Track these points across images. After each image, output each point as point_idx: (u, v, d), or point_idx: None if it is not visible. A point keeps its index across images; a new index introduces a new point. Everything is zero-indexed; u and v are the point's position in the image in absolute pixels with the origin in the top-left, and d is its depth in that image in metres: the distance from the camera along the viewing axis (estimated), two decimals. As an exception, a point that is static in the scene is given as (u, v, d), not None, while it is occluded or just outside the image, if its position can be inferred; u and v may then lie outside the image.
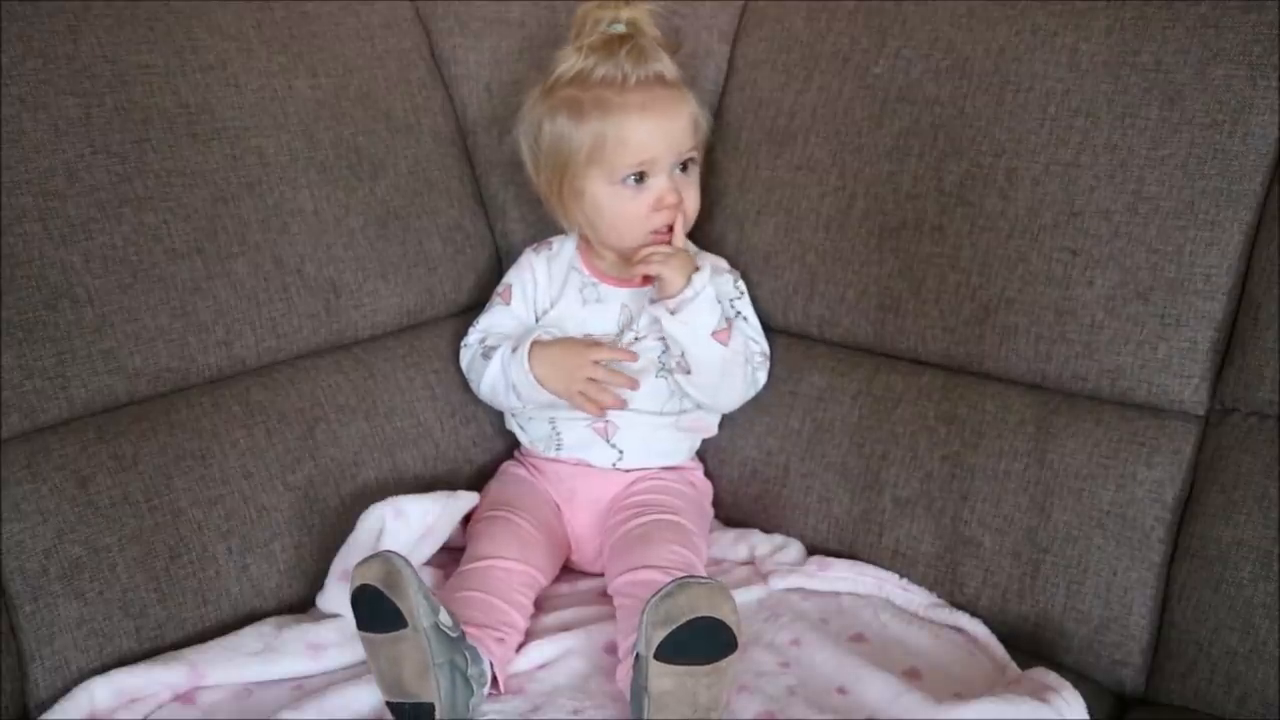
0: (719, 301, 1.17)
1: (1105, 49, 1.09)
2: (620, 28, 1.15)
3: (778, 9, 1.33)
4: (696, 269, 1.15)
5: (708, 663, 0.88)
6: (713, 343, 1.15)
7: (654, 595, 0.88)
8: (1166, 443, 1.06)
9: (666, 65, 1.17)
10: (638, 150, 1.14)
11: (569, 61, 1.16)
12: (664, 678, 0.88)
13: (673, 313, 1.13)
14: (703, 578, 0.90)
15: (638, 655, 0.90)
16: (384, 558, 0.93)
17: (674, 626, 0.86)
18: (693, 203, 1.19)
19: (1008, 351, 1.13)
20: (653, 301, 1.16)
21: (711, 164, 1.33)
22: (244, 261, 1.14)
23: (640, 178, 1.15)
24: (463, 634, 0.96)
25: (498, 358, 1.21)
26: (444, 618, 0.94)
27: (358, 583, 0.93)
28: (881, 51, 1.22)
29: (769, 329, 1.28)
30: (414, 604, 0.91)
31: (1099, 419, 1.09)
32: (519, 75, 1.31)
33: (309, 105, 1.20)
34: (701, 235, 1.30)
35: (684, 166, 1.18)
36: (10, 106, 1.00)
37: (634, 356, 1.18)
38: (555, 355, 1.18)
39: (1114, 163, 1.07)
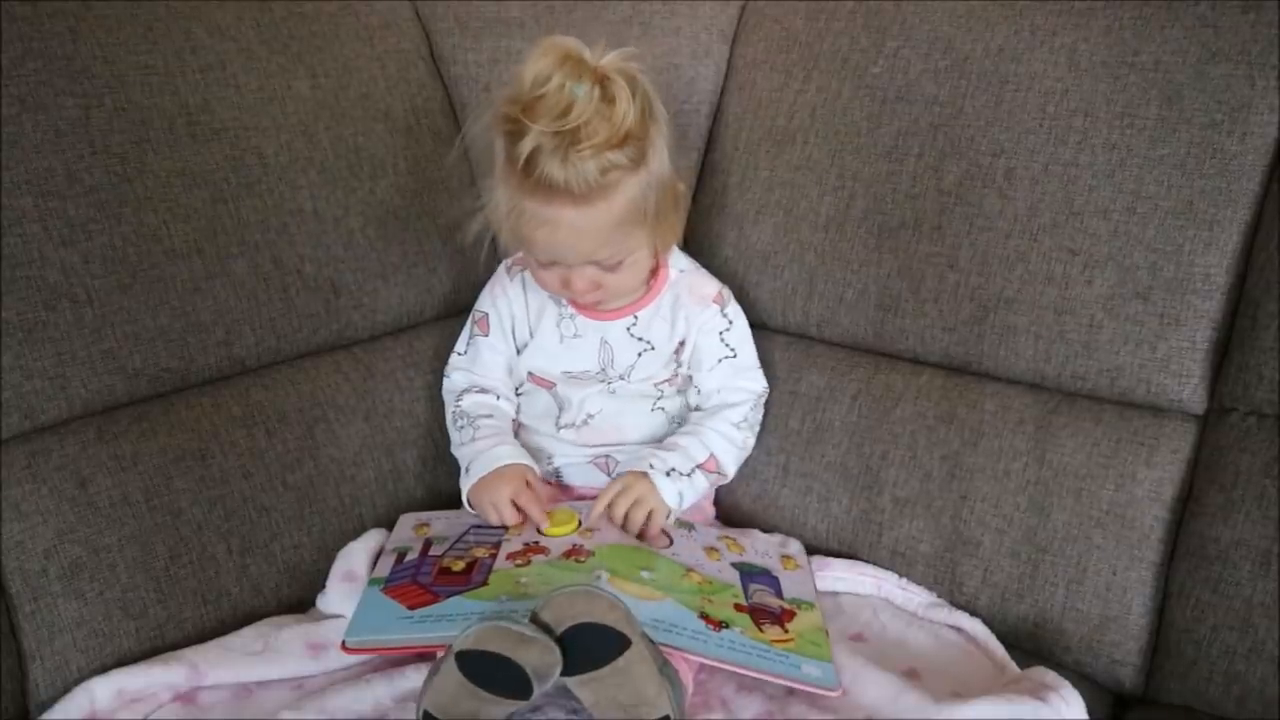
0: (682, 475, 1.12)
1: (1104, 49, 1.09)
2: (562, 121, 0.97)
3: (777, 9, 1.33)
4: (654, 487, 1.11)
5: (605, 665, 0.88)
6: (710, 486, 1.18)
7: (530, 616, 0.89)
8: (1165, 442, 1.07)
9: (585, 174, 0.99)
10: (538, 251, 1.07)
11: (515, 99, 1.00)
12: (581, 689, 0.89)
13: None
14: (568, 586, 0.90)
15: None
16: (546, 647, 0.88)
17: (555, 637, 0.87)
18: (622, 283, 1.11)
19: (1007, 351, 1.13)
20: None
21: (711, 164, 1.33)
22: (244, 261, 1.14)
23: (551, 263, 1.08)
24: None
25: (462, 451, 1.16)
26: None
27: (499, 650, 0.88)
28: (880, 51, 1.22)
29: (769, 329, 1.28)
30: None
31: (1098, 418, 1.09)
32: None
33: (309, 105, 1.20)
34: (701, 235, 1.30)
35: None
36: (10, 107, 1.00)
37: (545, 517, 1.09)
38: (490, 481, 1.11)
39: (1113, 162, 1.07)
